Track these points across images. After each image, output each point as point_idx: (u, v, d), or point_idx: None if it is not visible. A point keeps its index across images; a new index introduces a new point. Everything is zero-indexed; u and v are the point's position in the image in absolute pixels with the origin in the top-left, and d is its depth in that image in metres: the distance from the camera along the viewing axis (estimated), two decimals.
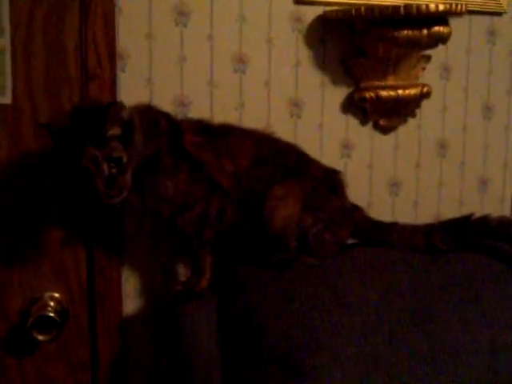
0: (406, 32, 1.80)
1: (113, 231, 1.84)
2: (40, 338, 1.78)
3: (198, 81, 1.85)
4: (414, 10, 1.73)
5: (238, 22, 1.87)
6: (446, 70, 2.10)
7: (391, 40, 1.82)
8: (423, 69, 2.06)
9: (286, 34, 1.92)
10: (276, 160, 1.74)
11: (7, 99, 1.73)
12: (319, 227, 1.72)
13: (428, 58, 2.05)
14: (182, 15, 1.82)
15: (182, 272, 1.89)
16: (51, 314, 1.78)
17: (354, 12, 1.81)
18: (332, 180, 1.80)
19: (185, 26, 1.83)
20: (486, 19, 2.17)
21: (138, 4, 1.78)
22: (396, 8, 1.75)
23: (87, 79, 1.76)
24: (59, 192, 1.78)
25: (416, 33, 1.81)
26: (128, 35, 1.78)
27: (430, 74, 2.07)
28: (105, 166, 1.47)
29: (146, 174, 1.61)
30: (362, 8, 1.80)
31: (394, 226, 1.84)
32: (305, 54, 1.94)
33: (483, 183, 2.26)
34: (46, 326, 1.78)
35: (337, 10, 1.87)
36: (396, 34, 1.81)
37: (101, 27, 1.75)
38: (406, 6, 1.74)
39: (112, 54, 1.77)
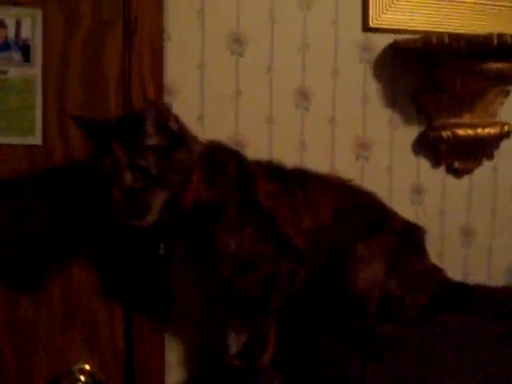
0: (496, 65, 1.58)
1: (156, 289, 1.58)
2: None
3: (255, 118, 1.63)
4: (509, 41, 1.51)
5: (300, 52, 1.64)
6: None
7: (478, 73, 1.61)
8: (501, 104, 1.82)
9: (353, 65, 1.70)
10: (357, 213, 1.50)
11: (37, 139, 1.49)
12: (402, 291, 1.49)
13: (507, 93, 1.82)
14: (238, 43, 1.59)
15: (234, 339, 1.63)
16: None
17: (435, 41, 1.58)
18: (413, 236, 1.56)
19: (241, 55, 1.60)
20: None
21: (190, 29, 1.57)
22: (488, 38, 1.52)
23: None
24: (94, 239, 1.54)
25: (505, 65, 1.59)
26: (177, 65, 1.56)
27: (507, 111, 1.84)
28: (127, 174, 1.23)
29: (204, 222, 1.36)
30: (446, 37, 1.57)
31: (479, 290, 1.60)
32: (373, 87, 1.72)
33: None
34: None
35: (414, 39, 1.64)
36: (485, 66, 1.58)
37: (147, 56, 1.53)
38: (500, 36, 1.52)
39: (159, 87, 1.54)
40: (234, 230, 1.37)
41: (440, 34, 1.59)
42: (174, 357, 1.62)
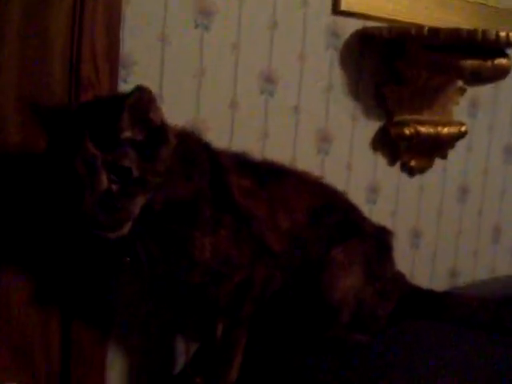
0: (472, 62, 1.50)
1: (99, 297, 1.35)
2: None
3: (218, 101, 1.43)
4: (494, 37, 1.44)
5: (269, 30, 1.47)
6: (474, 106, 1.83)
7: (454, 69, 1.52)
8: (457, 104, 1.77)
9: (320, 50, 1.55)
10: (331, 213, 1.35)
11: None
12: (375, 300, 1.38)
13: (464, 91, 1.77)
14: (204, 15, 1.38)
15: (182, 349, 1.45)
16: None
17: (414, 32, 1.48)
18: (384, 240, 1.45)
19: (207, 28, 1.39)
20: None
21: None
22: (472, 33, 1.44)
23: (78, 90, 1.27)
24: (28, 240, 1.27)
25: (481, 64, 1.52)
26: (135, 36, 1.31)
27: (460, 110, 1.79)
28: (103, 176, 1.00)
29: (174, 225, 1.16)
30: (426, 29, 1.47)
31: (448, 298, 1.53)
32: (338, 76, 1.59)
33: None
34: None
35: (389, 28, 1.53)
36: (462, 63, 1.50)
37: (102, 21, 1.28)
38: (485, 32, 1.44)
39: (114, 60, 1.30)
40: (209, 231, 1.18)
41: (419, 26, 1.50)
42: (116, 374, 1.40)
